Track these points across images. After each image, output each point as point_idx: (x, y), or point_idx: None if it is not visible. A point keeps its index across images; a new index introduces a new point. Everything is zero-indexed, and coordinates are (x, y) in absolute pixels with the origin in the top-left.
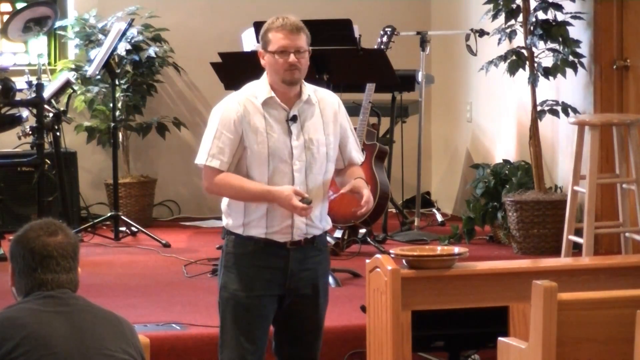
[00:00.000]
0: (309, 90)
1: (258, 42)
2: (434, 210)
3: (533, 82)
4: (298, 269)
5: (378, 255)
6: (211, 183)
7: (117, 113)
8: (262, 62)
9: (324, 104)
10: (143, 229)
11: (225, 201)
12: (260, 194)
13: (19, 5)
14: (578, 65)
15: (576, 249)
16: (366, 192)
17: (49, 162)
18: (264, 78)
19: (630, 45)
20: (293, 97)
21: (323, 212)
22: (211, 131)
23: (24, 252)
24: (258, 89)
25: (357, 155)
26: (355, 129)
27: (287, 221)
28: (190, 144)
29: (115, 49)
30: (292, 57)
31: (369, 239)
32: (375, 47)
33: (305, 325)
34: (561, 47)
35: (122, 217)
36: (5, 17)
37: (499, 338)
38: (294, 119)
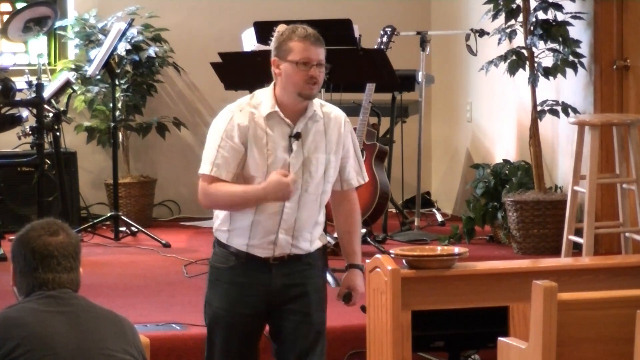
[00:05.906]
0: (316, 105)
1: (258, 42)
2: (434, 210)
3: (533, 82)
4: (283, 285)
5: (378, 255)
6: (205, 193)
7: (117, 113)
8: (276, 71)
9: (329, 119)
10: (143, 229)
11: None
12: (253, 194)
13: (19, 5)
14: (578, 65)
15: (576, 249)
16: (359, 294)
17: (49, 162)
18: (271, 89)
19: (630, 45)
20: (298, 112)
21: (314, 233)
22: (215, 141)
23: (25, 251)
24: (263, 102)
25: (357, 177)
26: (355, 129)
27: (271, 237)
28: (190, 144)
29: (115, 49)
30: (313, 70)
31: (369, 239)
32: (375, 47)
33: (303, 344)
34: (561, 47)
35: (122, 217)
36: (5, 17)
37: (499, 338)
38: (297, 136)
